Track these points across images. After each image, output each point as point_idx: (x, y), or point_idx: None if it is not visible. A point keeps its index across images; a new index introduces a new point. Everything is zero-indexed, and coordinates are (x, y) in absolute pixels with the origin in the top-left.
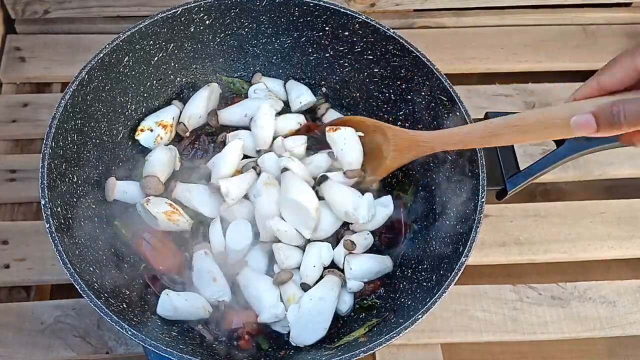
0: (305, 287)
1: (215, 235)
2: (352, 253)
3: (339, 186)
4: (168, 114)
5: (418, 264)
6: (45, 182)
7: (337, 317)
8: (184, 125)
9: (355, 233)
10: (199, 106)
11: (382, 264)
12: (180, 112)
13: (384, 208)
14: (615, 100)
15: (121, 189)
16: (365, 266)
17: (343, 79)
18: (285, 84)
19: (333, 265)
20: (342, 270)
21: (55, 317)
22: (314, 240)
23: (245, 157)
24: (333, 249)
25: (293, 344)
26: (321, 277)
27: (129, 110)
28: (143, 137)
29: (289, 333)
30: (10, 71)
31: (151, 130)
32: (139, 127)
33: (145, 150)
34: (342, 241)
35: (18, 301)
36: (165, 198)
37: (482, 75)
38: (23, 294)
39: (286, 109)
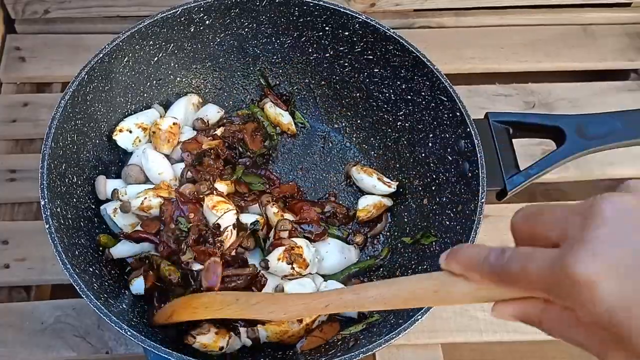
0: None
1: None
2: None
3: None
4: (148, 117)
5: (418, 264)
6: (45, 182)
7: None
8: None
9: None
10: (178, 113)
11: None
12: (161, 117)
13: None
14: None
15: (112, 187)
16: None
17: (343, 79)
18: None
19: None
20: None
21: (56, 317)
22: None
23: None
24: None
25: None
26: None
27: (129, 111)
28: (121, 138)
29: None
30: (10, 71)
31: (130, 132)
32: (117, 127)
33: None
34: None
35: (18, 301)
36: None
37: (482, 75)
38: (23, 294)
39: None
